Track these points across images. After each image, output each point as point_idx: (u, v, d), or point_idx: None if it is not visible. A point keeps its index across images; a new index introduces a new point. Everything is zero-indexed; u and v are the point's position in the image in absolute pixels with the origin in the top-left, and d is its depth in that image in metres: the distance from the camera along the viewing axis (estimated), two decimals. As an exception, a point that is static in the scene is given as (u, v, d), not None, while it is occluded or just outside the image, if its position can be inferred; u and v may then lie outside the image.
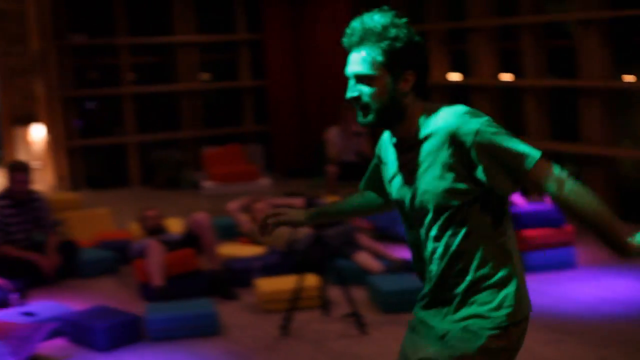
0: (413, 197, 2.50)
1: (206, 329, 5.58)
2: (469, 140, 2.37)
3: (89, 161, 11.52)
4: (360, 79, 2.44)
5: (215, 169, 10.82)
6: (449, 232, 2.46)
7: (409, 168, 2.51)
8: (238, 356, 5.21)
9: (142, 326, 5.52)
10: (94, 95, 11.57)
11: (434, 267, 2.52)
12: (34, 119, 12.22)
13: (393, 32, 2.40)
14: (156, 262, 6.18)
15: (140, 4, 11.49)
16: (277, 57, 11.86)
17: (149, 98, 11.66)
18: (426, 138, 2.45)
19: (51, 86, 11.24)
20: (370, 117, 2.46)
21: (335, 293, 5.89)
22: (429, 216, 2.48)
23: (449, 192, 2.42)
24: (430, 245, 2.52)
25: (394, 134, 2.54)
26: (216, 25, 11.94)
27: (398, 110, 2.46)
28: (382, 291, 5.87)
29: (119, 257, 7.19)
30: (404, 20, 2.44)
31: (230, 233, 7.71)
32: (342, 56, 2.73)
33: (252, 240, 7.35)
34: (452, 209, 2.43)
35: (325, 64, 11.50)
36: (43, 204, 7.01)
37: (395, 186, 2.58)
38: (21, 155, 12.09)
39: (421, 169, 2.47)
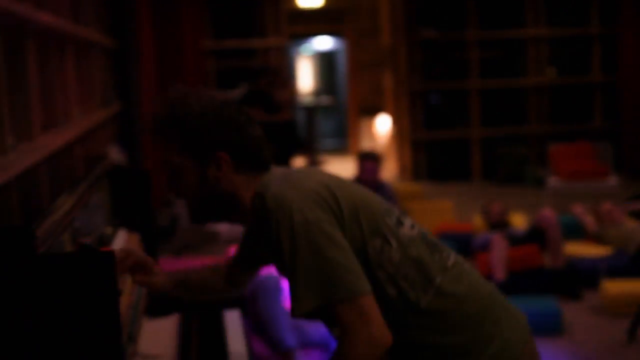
0: None
1: (549, 327, 5.41)
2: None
3: (431, 153, 11.66)
4: (169, 170, 2.06)
5: (562, 166, 10.51)
6: None
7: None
8: (581, 359, 5.01)
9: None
10: (440, 89, 11.67)
11: None
12: (380, 110, 12.62)
13: (181, 113, 2.01)
14: (500, 256, 6.12)
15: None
16: (632, 52, 11.27)
17: (494, 92, 11.57)
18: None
19: (399, 79, 11.51)
20: (193, 213, 2.08)
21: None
22: None
23: None
24: None
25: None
26: (568, 18, 11.57)
27: (219, 199, 2.06)
28: None
29: (460, 249, 7.19)
30: (201, 96, 2.05)
31: (575, 232, 7.44)
32: None
33: (599, 241, 7.04)
34: None
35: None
36: (390, 193, 7.17)
37: None
38: (365, 145, 12.54)
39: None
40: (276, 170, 2.09)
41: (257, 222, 2.01)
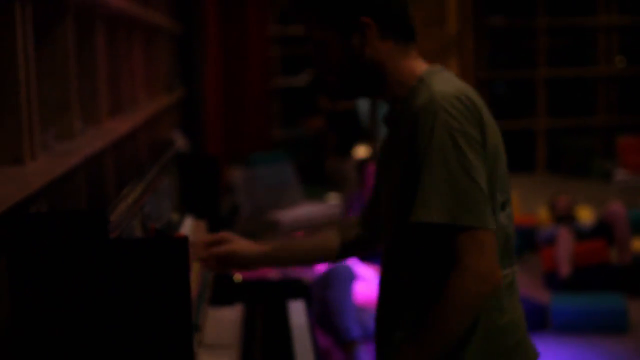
0: None
1: (614, 324, 5.31)
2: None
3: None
4: (313, 47, 1.96)
5: (630, 158, 10.30)
6: None
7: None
8: (649, 358, 4.91)
9: (546, 315, 5.39)
10: (506, 78, 11.52)
11: None
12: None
13: None
14: (565, 250, 6.01)
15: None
16: None
17: (561, 82, 11.38)
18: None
19: (465, 68, 11.38)
20: (334, 91, 1.98)
21: None
22: None
23: None
24: None
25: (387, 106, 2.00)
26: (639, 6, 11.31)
27: (367, 72, 1.92)
28: None
29: (524, 242, 7.08)
30: None
31: (644, 227, 7.29)
32: None
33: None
34: None
35: None
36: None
37: None
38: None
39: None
40: (443, 71, 1.96)
41: (405, 108, 1.89)
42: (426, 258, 1.88)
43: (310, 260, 2.32)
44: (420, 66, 1.96)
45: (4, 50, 2.02)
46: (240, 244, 2.22)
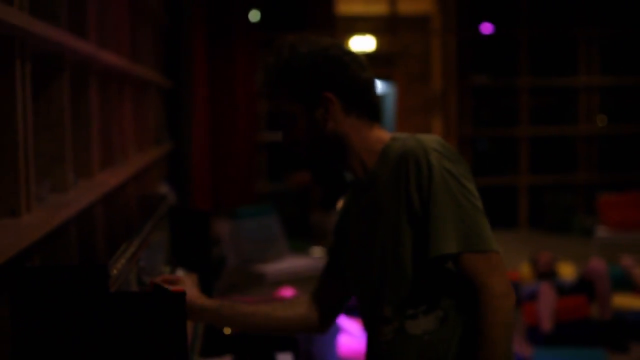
0: None
1: (596, 381, 5.36)
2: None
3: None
4: (282, 121, 2.09)
5: (611, 215, 10.37)
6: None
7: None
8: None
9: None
10: (489, 135, 11.65)
11: None
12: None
13: (288, 56, 2.05)
14: (547, 306, 6.05)
15: (544, 44, 11.37)
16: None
17: (544, 140, 11.52)
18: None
19: (448, 125, 11.51)
20: (306, 167, 2.14)
21: None
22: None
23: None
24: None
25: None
26: (620, 67, 11.50)
27: (330, 143, 2.05)
28: None
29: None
30: (308, 39, 2.06)
31: (624, 283, 7.35)
32: None
33: (648, 294, 6.95)
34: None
35: None
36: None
37: None
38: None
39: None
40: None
41: (382, 163, 2.02)
42: (446, 288, 1.98)
43: (255, 326, 2.23)
44: (385, 134, 2.11)
45: (3, 105, 2.07)
46: (190, 292, 2.15)
